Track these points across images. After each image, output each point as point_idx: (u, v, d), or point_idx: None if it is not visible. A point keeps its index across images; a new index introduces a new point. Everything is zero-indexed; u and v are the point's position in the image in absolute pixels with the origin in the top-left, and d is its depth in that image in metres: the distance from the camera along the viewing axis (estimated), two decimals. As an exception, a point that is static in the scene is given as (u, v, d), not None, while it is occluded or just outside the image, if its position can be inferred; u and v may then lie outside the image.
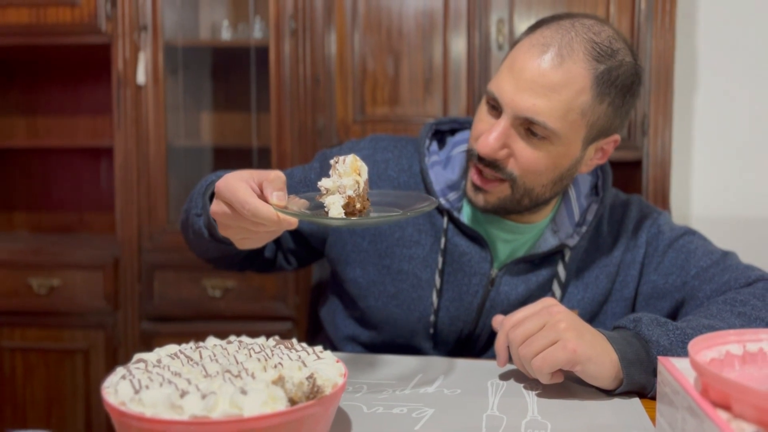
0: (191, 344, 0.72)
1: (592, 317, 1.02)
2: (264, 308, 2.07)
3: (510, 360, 0.83)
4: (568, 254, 1.00)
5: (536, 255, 0.99)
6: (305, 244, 1.10)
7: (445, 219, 1.00)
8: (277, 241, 1.08)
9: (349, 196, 0.75)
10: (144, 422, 0.55)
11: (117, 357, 2.11)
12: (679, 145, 2.27)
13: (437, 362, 0.93)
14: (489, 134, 0.90)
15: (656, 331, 0.80)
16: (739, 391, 0.53)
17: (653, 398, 0.78)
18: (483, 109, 0.94)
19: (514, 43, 0.94)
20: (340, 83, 2.04)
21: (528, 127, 0.89)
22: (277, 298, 2.07)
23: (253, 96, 2.28)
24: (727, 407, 0.54)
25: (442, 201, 1.00)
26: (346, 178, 0.75)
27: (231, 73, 2.39)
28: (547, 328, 0.79)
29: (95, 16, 2.08)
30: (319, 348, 0.71)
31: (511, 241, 1.02)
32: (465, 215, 1.02)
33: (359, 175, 0.76)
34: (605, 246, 1.02)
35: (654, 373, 0.78)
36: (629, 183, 2.07)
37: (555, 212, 1.03)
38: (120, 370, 0.65)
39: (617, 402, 0.78)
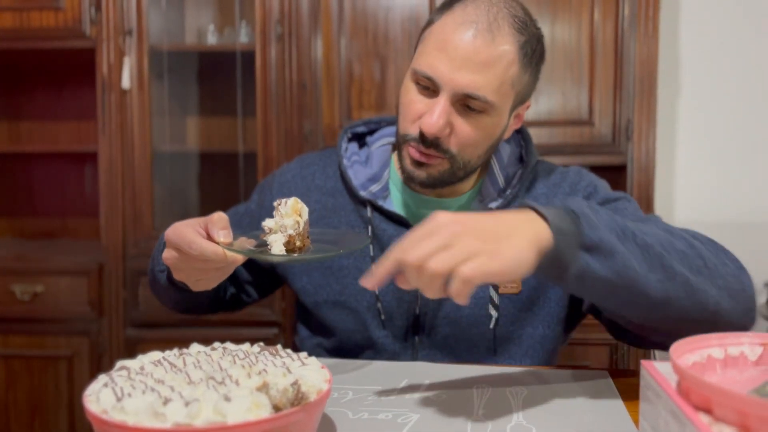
0: (175, 351, 0.72)
1: (536, 279, 1.00)
2: (250, 314, 2.06)
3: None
4: None
5: None
6: (259, 272, 1.14)
7: (369, 209, 1.04)
8: (233, 280, 1.13)
9: (290, 235, 0.82)
10: (126, 431, 0.55)
11: (101, 364, 2.10)
12: (663, 150, 2.29)
13: (423, 368, 0.93)
14: (432, 114, 0.92)
15: (585, 209, 0.75)
16: (720, 395, 0.53)
17: (573, 280, 0.72)
18: (413, 90, 0.95)
19: (429, 21, 0.97)
20: (326, 88, 2.04)
21: (465, 103, 0.92)
22: (263, 304, 2.06)
23: (239, 101, 2.27)
24: (708, 411, 0.55)
25: (363, 193, 1.04)
26: (287, 219, 0.82)
27: (217, 78, 2.39)
28: (458, 248, 0.67)
29: (79, 21, 2.07)
30: (303, 354, 0.71)
31: None
32: (391, 202, 1.06)
33: (300, 215, 0.83)
34: None
35: (580, 248, 0.71)
36: (614, 187, 2.07)
37: (480, 185, 1.05)
38: (102, 378, 0.64)
39: (602, 406, 0.78)
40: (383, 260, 0.72)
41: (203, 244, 0.80)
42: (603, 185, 1.06)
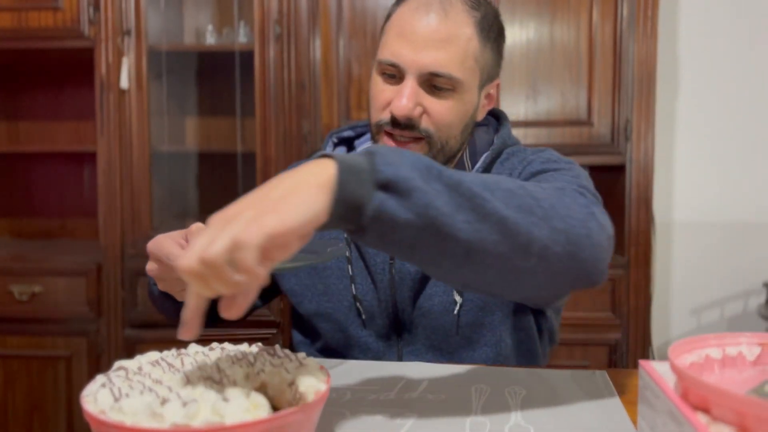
0: (173, 351, 0.72)
1: None
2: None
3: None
4: None
5: None
6: None
7: None
8: None
9: None
10: (124, 431, 0.55)
11: (100, 364, 2.10)
12: (661, 150, 2.29)
13: (421, 368, 0.93)
14: (400, 96, 0.94)
15: (387, 149, 0.66)
16: (718, 395, 0.53)
17: (371, 225, 0.63)
18: (379, 81, 0.98)
19: (387, 16, 1.00)
20: (325, 88, 2.04)
21: (432, 84, 0.94)
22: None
23: (237, 101, 2.27)
24: (706, 411, 0.55)
25: None
26: None
27: (216, 78, 2.39)
28: (227, 227, 0.57)
29: (78, 21, 2.07)
30: (302, 354, 0.71)
31: None
32: None
33: None
34: None
35: (374, 186, 0.62)
36: (612, 187, 2.08)
37: None
38: (100, 378, 0.64)
39: (600, 407, 0.78)
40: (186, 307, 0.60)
41: (180, 253, 0.80)
42: (547, 156, 0.99)
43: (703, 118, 2.35)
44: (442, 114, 0.96)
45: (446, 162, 1.01)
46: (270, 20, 2.04)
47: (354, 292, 1.03)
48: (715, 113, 2.35)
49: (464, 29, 0.94)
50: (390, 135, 0.97)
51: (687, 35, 2.33)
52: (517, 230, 0.68)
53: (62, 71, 2.47)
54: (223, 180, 2.38)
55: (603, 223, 0.76)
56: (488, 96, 1.04)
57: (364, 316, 1.04)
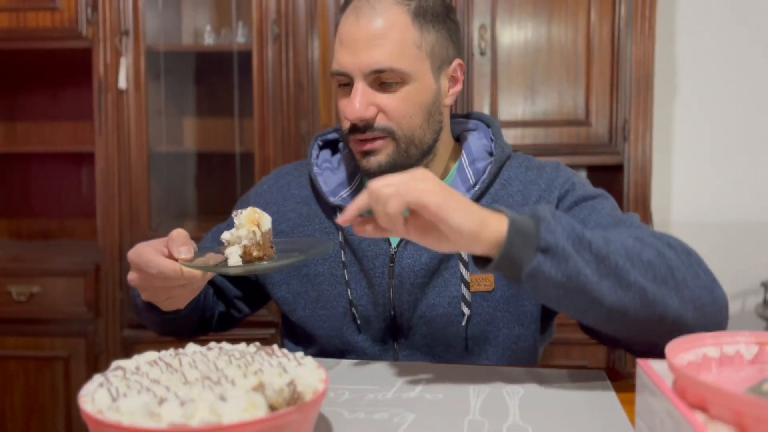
0: (171, 351, 0.72)
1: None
2: (247, 314, 2.06)
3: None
4: None
5: None
6: (247, 286, 1.14)
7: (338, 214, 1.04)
8: (222, 297, 1.13)
9: (246, 246, 0.83)
10: (121, 431, 0.55)
11: (98, 365, 2.09)
12: (659, 150, 2.30)
13: (419, 367, 0.93)
14: (352, 101, 0.96)
15: (550, 216, 0.77)
16: (715, 394, 0.53)
17: (527, 279, 0.75)
18: (339, 93, 1.01)
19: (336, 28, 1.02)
20: (323, 88, 2.04)
21: (380, 82, 0.96)
22: (261, 304, 2.06)
23: (236, 101, 2.27)
24: (704, 410, 0.55)
25: (332, 199, 1.05)
26: (241, 229, 0.83)
27: (214, 79, 2.38)
28: (412, 178, 0.76)
29: (76, 21, 2.07)
30: (299, 354, 0.71)
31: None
32: None
33: (257, 225, 0.83)
34: (516, 205, 1.02)
35: (535, 250, 0.75)
36: (610, 187, 2.08)
37: (451, 182, 1.05)
38: (97, 378, 0.64)
39: (598, 406, 0.78)
40: (356, 199, 0.78)
41: (161, 262, 0.81)
42: (580, 182, 1.05)
43: (701, 118, 2.35)
44: (396, 108, 0.96)
45: (425, 155, 1.01)
46: (268, 21, 2.04)
47: (350, 297, 1.03)
48: (713, 113, 2.35)
49: (397, 22, 0.95)
50: (354, 142, 0.99)
51: (684, 35, 2.34)
52: (654, 300, 0.77)
53: (60, 72, 2.47)
54: (221, 180, 2.38)
55: (722, 289, 0.84)
56: (452, 78, 1.03)
57: (359, 321, 1.03)
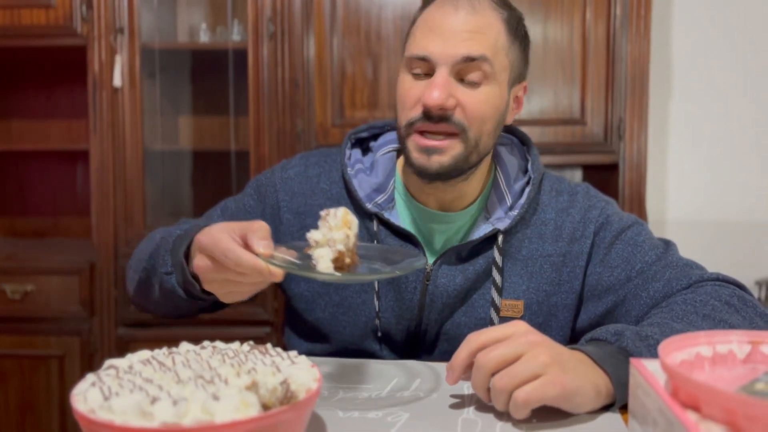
0: (164, 350, 0.71)
1: (539, 308, 1.01)
2: (241, 312, 2.06)
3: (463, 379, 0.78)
4: (500, 238, 0.99)
5: (470, 243, 0.99)
6: None
7: (375, 222, 1.01)
8: None
9: (339, 251, 0.74)
10: (113, 430, 0.55)
11: (93, 363, 2.09)
12: (654, 149, 2.30)
13: (414, 366, 0.93)
14: (432, 87, 0.91)
15: (641, 347, 0.78)
16: (707, 393, 0.53)
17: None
18: (408, 79, 0.95)
19: (413, 19, 0.99)
20: (318, 87, 2.04)
21: (463, 77, 0.93)
22: (255, 303, 2.06)
23: (231, 99, 2.27)
24: (696, 409, 0.55)
25: (369, 206, 1.01)
26: (336, 232, 0.74)
27: (209, 77, 2.38)
28: (528, 360, 0.71)
29: (70, 18, 2.06)
30: (293, 353, 0.71)
31: (444, 231, 1.03)
32: (396, 214, 1.03)
33: (350, 228, 0.75)
34: (549, 235, 1.02)
35: None
36: (605, 187, 2.09)
37: (486, 200, 1.03)
38: (90, 377, 0.64)
39: (591, 404, 0.78)
40: (458, 353, 0.76)
41: (240, 253, 0.73)
42: (613, 212, 1.04)
43: (696, 116, 2.36)
44: (477, 105, 0.93)
45: (477, 164, 0.98)
46: (263, 18, 2.04)
47: (377, 308, 1.01)
48: (708, 112, 2.35)
49: (493, 23, 0.93)
50: (422, 133, 0.94)
51: (680, 34, 2.34)
52: None
53: (55, 69, 2.46)
54: (216, 179, 2.37)
55: None
56: (516, 99, 1.02)
57: (380, 333, 1.02)
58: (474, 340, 0.75)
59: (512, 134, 1.11)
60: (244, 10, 2.10)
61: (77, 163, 2.49)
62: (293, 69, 2.04)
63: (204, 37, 2.25)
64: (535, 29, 2.02)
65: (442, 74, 0.91)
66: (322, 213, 0.76)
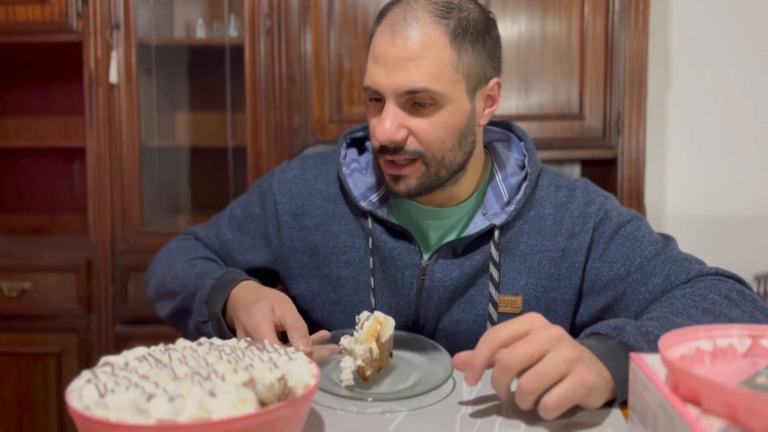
0: (160, 346, 0.71)
1: (538, 303, 1.01)
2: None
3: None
4: (497, 233, 0.99)
5: (466, 238, 0.99)
6: (256, 273, 1.12)
7: (370, 220, 1.03)
8: None
9: (359, 366, 0.79)
10: (109, 427, 0.54)
11: (90, 361, 2.08)
12: (653, 144, 2.30)
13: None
14: (382, 122, 0.93)
15: (641, 342, 0.77)
16: (708, 387, 0.53)
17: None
18: (371, 107, 0.97)
19: (372, 32, 0.98)
20: (316, 82, 2.03)
21: (413, 102, 0.92)
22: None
23: (228, 95, 2.26)
24: (697, 403, 0.55)
25: (364, 204, 1.03)
26: (358, 346, 0.79)
27: (206, 72, 2.37)
28: (554, 358, 0.69)
29: (66, 14, 2.05)
30: (291, 349, 0.70)
31: (439, 227, 1.03)
32: (392, 211, 1.04)
33: (378, 336, 0.79)
34: (548, 230, 1.02)
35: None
36: (604, 181, 2.08)
37: (483, 195, 1.03)
38: (85, 374, 0.63)
39: (591, 399, 0.78)
40: (478, 352, 0.73)
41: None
42: (612, 207, 1.04)
43: (694, 112, 2.35)
44: (428, 132, 0.93)
45: (455, 173, 0.98)
46: (260, 14, 2.03)
47: (373, 305, 1.02)
48: (706, 107, 2.35)
49: (435, 42, 0.90)
50: (387, 160, 0.96)
51: (678, 29, 2.33)
52: None
53: (51, 65, 2.45)
54: (213, 175, 2.37)
55: None
56: (489, 98, 0.99)
57: None
58: (494, 337, 0.72)
59: (509, 130, 1.10)
60: (240, 6, 2.09)
61: (74, 160, 2.48)
62: (290, 64, 2.03)
63: (200, 33, 2.24)
64: (533, 24, 2.02)
65: (390, 108, 0.93)
66: (357, 317, 0.81)
